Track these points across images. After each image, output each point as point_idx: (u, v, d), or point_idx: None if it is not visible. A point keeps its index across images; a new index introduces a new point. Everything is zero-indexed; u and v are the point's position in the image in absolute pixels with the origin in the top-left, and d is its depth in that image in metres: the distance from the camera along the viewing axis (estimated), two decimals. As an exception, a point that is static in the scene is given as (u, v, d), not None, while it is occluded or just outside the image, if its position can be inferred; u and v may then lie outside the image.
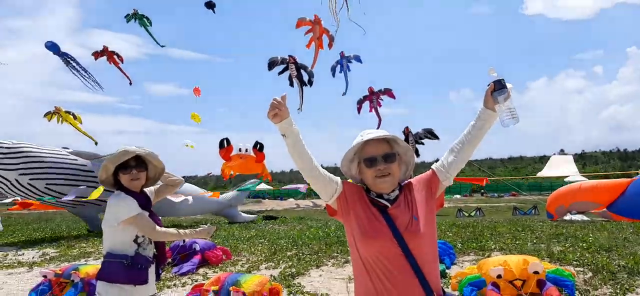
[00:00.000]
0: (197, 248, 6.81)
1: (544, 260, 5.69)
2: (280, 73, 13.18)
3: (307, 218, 16.44)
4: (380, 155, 1.86)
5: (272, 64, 13.01)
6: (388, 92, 15.73)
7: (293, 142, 1.80)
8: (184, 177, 3.21)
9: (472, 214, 20.47)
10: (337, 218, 1.96)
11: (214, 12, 15.60)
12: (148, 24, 15.57)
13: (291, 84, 13.25)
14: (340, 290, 5.35)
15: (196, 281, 5.83)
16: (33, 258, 8.28)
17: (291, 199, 40.37)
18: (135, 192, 2.71)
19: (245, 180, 16.78)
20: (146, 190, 2.85)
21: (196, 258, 6.69)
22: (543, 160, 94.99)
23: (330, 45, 12.92)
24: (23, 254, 8.80)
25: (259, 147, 13.65)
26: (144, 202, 2.72)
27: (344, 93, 15.24)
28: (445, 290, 1.91)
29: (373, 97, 15.61)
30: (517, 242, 7.37)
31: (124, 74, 16.07)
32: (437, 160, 2.01)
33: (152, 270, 2.77)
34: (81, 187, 11.33)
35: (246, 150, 13.43)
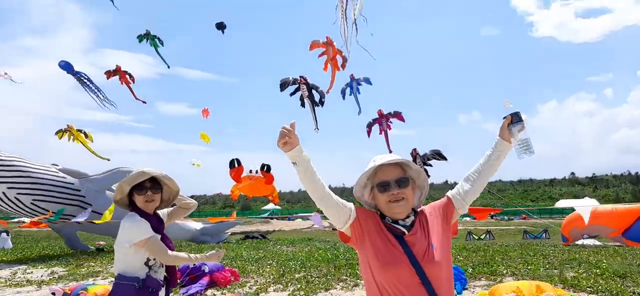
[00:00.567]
0: (206, 270, 6.79)
1: (557, 286, 5.59)
2: (292, 94, 13.22)
3: (315, 239, 16.35)
4: (394, 180, 1.85)
5: (283, 85, 13.07)
6: (398, 115, 15.68)
7: (304, 170, 1.80)
8: (192, 196, 3.22)
9: (482, 237, 20.23)
10: (350, 245, 1.94)
11: (224, 33, 15.94)
12: (159, 44, 15.91)
13: (302, 105, 13.28)
14: (350, 314, 5.29)
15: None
16: (41, 276, 8.30)
17: (299, 220, 40.05)
18: (149, 213, 2.72)
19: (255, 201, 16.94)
20: (159, 212, 2.86)
21: (205, 280, 6.67)
22: (553, 183, 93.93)
23: (343, 66, 12.96)
24: (32, 272, 8.83)
25: (266, 169, 13.68)
26: (156, 224, 2.72)
27: (359, 113, 15.35)
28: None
29: (382, 120, 15.56)
30: (529, 267, 7.25)
31: (134, 94, 16.33)
32: (446, 182, 2.03)
33: (162, 293, 2.76)
34: (88, 210, 11.20)
35: (256, 172, 13.47)
